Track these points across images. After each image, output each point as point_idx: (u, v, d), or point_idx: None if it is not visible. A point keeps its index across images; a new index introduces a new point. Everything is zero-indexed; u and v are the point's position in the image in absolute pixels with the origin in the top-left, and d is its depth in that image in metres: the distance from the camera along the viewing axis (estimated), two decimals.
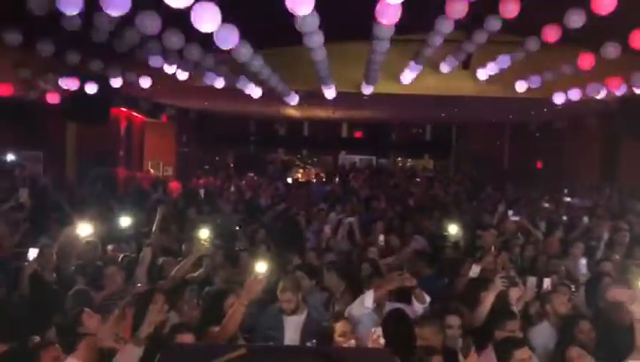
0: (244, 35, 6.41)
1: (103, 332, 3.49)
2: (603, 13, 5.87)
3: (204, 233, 5.33)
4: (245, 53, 6.70)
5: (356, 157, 24.93)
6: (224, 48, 5.92)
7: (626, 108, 10.90)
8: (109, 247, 6.23)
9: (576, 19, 6.37)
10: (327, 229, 8.30)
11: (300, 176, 20.75)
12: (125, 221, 6.94)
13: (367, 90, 10.89)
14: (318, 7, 4.98)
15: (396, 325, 4.00)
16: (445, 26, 6.53)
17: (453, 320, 4.15)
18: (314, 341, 3.76)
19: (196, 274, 5.47)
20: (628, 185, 13.23)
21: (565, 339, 4.27)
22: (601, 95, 10.10)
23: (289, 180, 18.35)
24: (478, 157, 21.28)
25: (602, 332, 4.42)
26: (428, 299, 4.67)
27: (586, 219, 9.13)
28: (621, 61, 8.24)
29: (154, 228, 5.98)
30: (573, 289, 5.28)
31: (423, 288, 4.73)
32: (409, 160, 25.58)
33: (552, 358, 4.15)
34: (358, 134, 25.03)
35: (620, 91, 9.41)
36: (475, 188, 15.79)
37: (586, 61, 8.04)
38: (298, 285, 4.58)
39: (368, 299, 4.36)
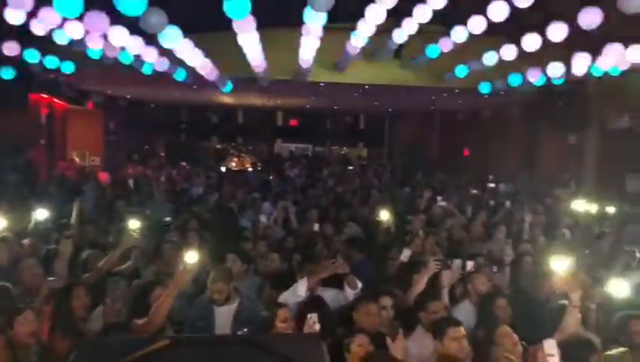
0: (173, 19, 6.20)
1: (17, 329, 3.30)
2: (524, 6, 6.12)
3: (133, 223, 5.13)
4: (173, 37, 6.48)
5: (292, 146, 24.93)
6: (151, 32, 5.70)
7: (545, 98, 11.47)
8: (25, 241, 5.85)
9: (499, 12, 6.60)
10: (264, 218, 8.24)
11: (234, 164, 20.48)
12: (42, 213, 6.56)
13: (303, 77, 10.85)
14: None
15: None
16: (377, 15, 6.59)
17: (387, 301, 4.23)
18: (245, 330, 3.73)
19: (124, 266, 5.27)
20: (547, 172, 13.97)
21: (484, 316, 4.47)
22: (524, 85, 10.59)
23: (223, 169, 18.07)
24: (409, 146, 21.82)
25: (521, 308, 4.66)
26: (360, 285, 4.73)
27: (508, 204, 9.57)
28: (542, 52, 8.66)
29: (72, 220, 5.71)
30: (496, 270, 5.52)
31: (356, 273, 4.79)
32: (344, 148, 25.87)
33: (474, 335, 4.32)
34: (293, 122, 25.02)
35: (538, 82, 9.87)
36: (406, 176, 16.18)
37: (509, 52, 8.36)
38: (229, 275, 4.52)
39: (301, 286, 4.37)
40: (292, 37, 9.13)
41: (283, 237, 7.34)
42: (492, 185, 14.10)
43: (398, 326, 3.74)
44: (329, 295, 4.56)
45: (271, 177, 15.15)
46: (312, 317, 3.68)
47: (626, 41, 7.52)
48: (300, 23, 6.64)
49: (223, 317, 4.28)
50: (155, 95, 16.76)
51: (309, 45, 7.63)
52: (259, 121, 23.87)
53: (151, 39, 7.29)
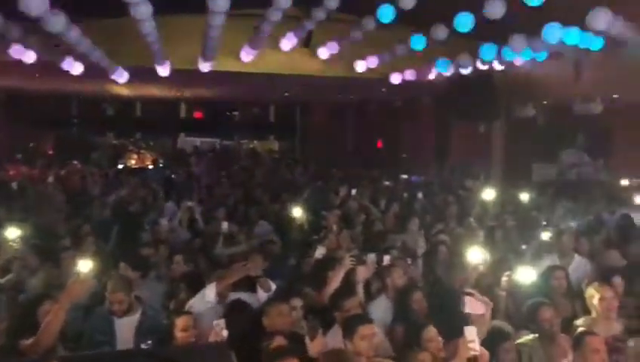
0: (59, 4, 5.87)
1: None
2: None
3: (11, 232, 4.81)
4: (57, 22, 6.12)
5: (197, 140, 24.42)
6: (31, 16, 5.36)
7: (456, 88, 12.05)
8: None
9: (408, 1, 6.85)
10: (165, 221, 8.01)
11: (133, 162, 19.74)
12: None
13: (205, 67, 10.67)
14: None
15: (237, 316, 4.03)
16: (284, 2, 6.61)
17: (297, 302, 4.29)
18: (149, 342, 3.63)
19: (4, 280, 4.94)
20: (458, 162, 14.72)
21: (400, 311, 4.65)
22: (433, 75, 11.08)
23: (120, 167, 17.37)
24: (322, 138, 22.12)
25: (439, 299, 4.89)
26: (274, 286, 4.76)
27: (420, 195, 9.99)
28: (450, 43, 9.10)
29: None
30: (410, 262, 5.75)
31: (272, 274, 4.81)
32: (254, 141, 25.72)
33: (392, 331, 4.49)
34: (198, 115, 24.49)
35: (448, 72, 10.37)
36: (320, 169, 16.40)
37: (418, 42, 8.70)
38: (130, 283, 4.38)
39: (210, 292, 4.32)
40: (194, 24, 8.96)
41: (189, 239, 7.20)
42: (405, 176, 14.65)
43: (317, 326, 3.81)
44: (241, 299, 4.54)
45: (174, 175, 14.77)
46: (219, 324, 3.66)
47: (530, 32, 8.06)
48: (202, 9, 6.52)
49: (125, 330, 4.14)
50: (40, 86, 15.76)
51: (212, 32, 7.51)
52: (160, 114, 23.14)
53: (34, 26, 6.86)
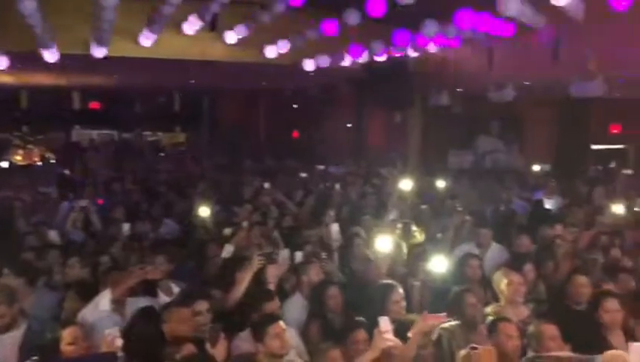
0: None
1: None
2: None
3: None
4: None
5: (94, 133, 23.42)
6: None
7: (371, 76, 12.28)
8: None
9: None
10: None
11: (19, 158, 18.63)
12: None
13: (99, 52, 10.21)
14: None
15: (143, 324, 3.90)
16: None
17: (201, 306, 4.20)
18: (35, 358, 3.43)
19: None
20: (376, 151, 15.05)
21: (315, 307, 4.68)
22: (347, 62, 11.22)
23: (4, 164, 16.34)
24: (233, 129, 21.86)
25: (356, 292, 4.96)
26: (176, 289, 4.63)
27: (338, 186, 10.12)
28: (363, 28, 9.25)
29: None
30: (325, 256, 5.78)
31: (177, 276, 4.68)
32: (159, 133, 25.00)
33: (307, 329, 4.51)
34: (94, 105, 23.44)
35: (362, 59, 10.54)
36: (231, 161, 16.22)
37: (330, 27, 8.77)
38: (13, 294, 4.11)
39: (103, 300, 4.14)
40: (83, 3, 8.55)
41: (83, 242, 6.88)
42: (322, 167, 14.78)
43: (219, 330, 3.74)
44: (141, 305, 4.38)
45: (67, 171, 14.09)
46: (112, 333, 3.53)
47: (443, 18, 8.35)
48: None
49: (8, 346, 3.90)
50: None
51: (105, 14, 7.18)
52: (50, 105, 21.92)
53: None
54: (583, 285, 4.82)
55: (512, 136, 15.47)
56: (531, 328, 3.93)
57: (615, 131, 16.53)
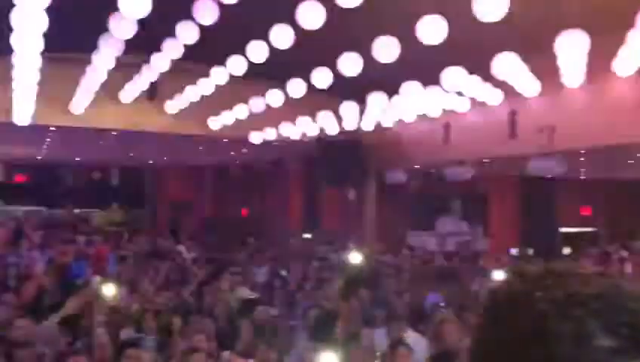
0: None
1: None
2: (282, 47, 6.75)
3: None
4: None
5: (20, 209, 22.94)
6: None
7: (321, 151, 12.58)
8: None
9: (258, 52, 7.16)
10: None
11: None
12: None
13: (22, 119, 10.24)
14: None
15: None
16: (113, 46, 6.62)
17: None
18: None
19: None
20: (328, 231, 15.15)
21: None
22: (296, 136, 11.51)
23: None
24: (176, 205, 21.81)
25: None
26: None
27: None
28: (311, 100, 9.58)
29: None
30: None
31: None
32: (97, 210, 24.60)
33: None
34: (19, 178, 23.12)
35: (311, 133, 10.85)
36: (175, 238, 16.10)
37: (275, 98, 9.07)
38: None
39: None
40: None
41: None
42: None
43: None
44: None
45: None
46: None
47: (392, 90, 8.71)
48: (9, 50, 6.32)
49: None
50: None
51: (24, 78, 7.29)
52: None
53: None
54: None
55: (476, 216, 15.82)
56: None
57: (586, 213, 17.16)
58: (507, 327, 0.78)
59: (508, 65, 6.81)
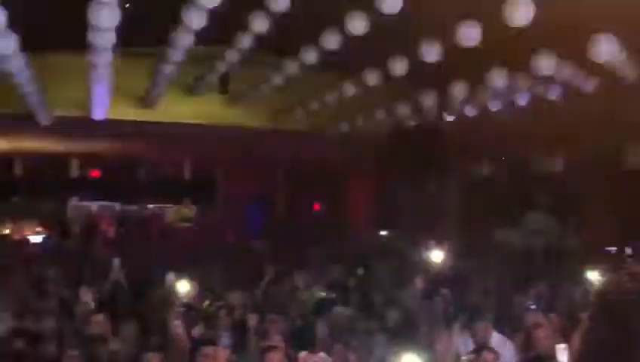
0: None
1: None
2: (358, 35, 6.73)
3: None
4: None
5: (94, 204, 23.86)
6: None
7: (400, 143, 12.44)
8: None
9: (333, 41, 7.14)
10: None
11: (9, 232, 19.12)
12: None
13: (99, 114, 10.64)
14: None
15: None
16: (184, 39, 6.78)
17: None
18: None
19: None
20: (408, 226, 14.95)
21: None
22: (372, 128, 11.44)
23: None
24: (249, 202, 22.14)
25: None
26: None
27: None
28: (388, 91, 9.51)
29: None
30: None
31: None
32: (170, 205, 25.28)
33: None
34: (94, 173, 24.04)
35: (389, 124, 10.75)
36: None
37: (350, 89, 9.07)
38: None
39: None
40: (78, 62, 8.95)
41: None
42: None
43: None
44: None
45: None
46: None
47: (474, 79, 8.54)
48: (84, 44, 6.56)
49: None
50: None
51: (99, 72, 7.56)
52: (44, 173, 22.52)
53: None
54: None
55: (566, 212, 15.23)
56: None
57: None
58: (621, 327, 0.77)
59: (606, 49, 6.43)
